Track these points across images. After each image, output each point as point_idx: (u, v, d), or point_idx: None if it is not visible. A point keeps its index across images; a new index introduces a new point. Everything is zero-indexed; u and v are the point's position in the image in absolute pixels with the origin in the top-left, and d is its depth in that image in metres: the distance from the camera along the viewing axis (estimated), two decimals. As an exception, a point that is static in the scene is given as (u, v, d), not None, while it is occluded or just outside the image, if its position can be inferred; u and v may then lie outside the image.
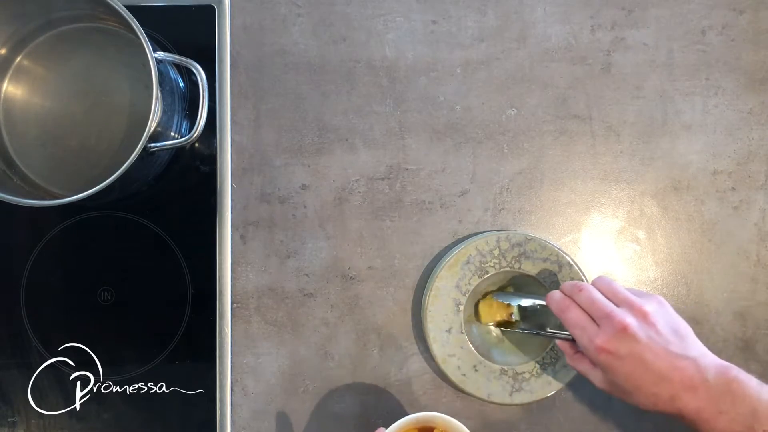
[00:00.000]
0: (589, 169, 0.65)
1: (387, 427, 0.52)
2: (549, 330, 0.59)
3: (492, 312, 0.62)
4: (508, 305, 0.61)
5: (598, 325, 0.51)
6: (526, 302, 0.60)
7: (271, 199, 0.64)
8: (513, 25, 0.66)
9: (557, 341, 0.58)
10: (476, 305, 0.63)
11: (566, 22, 0.66)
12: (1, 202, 0.53)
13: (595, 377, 0.53)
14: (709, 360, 0.49)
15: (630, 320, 0.49)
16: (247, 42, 0.65)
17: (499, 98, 0.65)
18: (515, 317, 0.61)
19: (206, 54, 0.64)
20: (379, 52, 0.65)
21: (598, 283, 0.54)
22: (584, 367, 0.54)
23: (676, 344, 0.49)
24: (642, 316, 0.50)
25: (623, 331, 0.49)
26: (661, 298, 0.52)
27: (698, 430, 0.48)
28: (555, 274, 0.61)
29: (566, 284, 0.55)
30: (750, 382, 0.47)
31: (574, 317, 0.52)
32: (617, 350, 0.49)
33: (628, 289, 0.53)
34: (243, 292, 0.63)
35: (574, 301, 0.53)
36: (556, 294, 0.55)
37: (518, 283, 0.63)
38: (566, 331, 0.54)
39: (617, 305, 0.51)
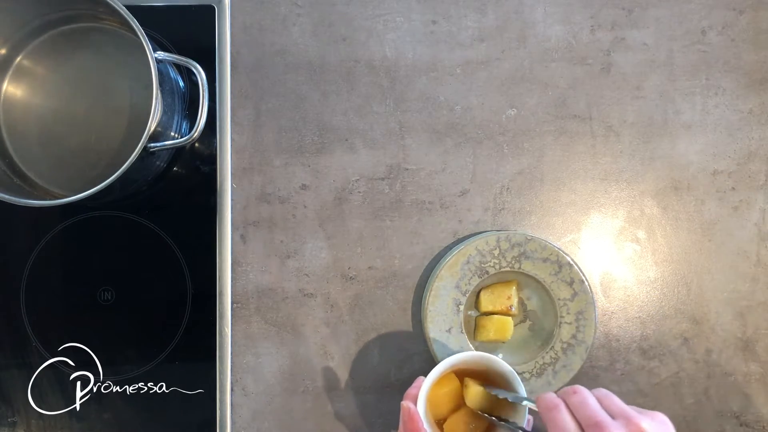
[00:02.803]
0: (589, 169, 0.65)
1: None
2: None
3: (493, 300, 0.62)
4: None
5: None
6: (514, 398, 0.53)
7: (271, 199, 0.64)
8: (513, 25, 0.66)
9: None
10: (478, 294, 0.63)
11: (566, 22, 0.66)
12: (1, 202, 0.53)
13: None
14: None
15: None
16: (247, 42, 0.65)
17: (499, 98, 0.65)
18: (514, 309, 0.61)
19: (206, 54, 0.64)
20: (379, 52, 0.65)
21: (597, 393, 0.47)
22: None
23: None
24: None
25: None
26: (664, 417, 0.44)
27: None
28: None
29: (563, 389, 0.48)
30: None
31: (560, 419, 0.45)
32: None
33: (630, 407, 0.46)
34: (243, 292, 0.63)
35: (565, 402, 0.46)
36: (547, 394, 0.48)
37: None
38: None
39: (613, 418, 0.44)
